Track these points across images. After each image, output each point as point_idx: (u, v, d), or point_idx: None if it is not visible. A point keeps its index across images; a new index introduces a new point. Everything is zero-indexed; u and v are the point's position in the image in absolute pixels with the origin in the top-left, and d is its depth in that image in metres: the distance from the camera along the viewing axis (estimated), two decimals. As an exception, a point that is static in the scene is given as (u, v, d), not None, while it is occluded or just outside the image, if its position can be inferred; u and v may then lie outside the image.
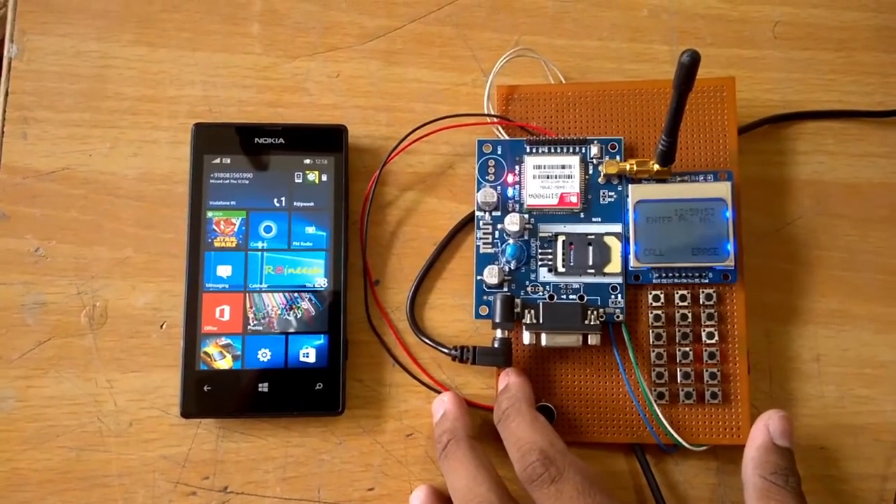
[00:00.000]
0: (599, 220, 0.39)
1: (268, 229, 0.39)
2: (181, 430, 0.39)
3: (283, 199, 0.40)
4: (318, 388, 0.38)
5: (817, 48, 0.44)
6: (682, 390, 0.38)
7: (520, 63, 0.42)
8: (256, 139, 0.40)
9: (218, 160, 0.40)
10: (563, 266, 0.38)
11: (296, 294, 0.39)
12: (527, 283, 0.39)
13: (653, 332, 0.38)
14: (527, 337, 0.38)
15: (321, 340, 0.39)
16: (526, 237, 0.39)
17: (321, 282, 0.39)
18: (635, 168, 0.38)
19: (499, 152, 0.40)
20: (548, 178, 0.39)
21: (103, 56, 0.43)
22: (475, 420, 0.39)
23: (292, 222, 0.39)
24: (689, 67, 0.31)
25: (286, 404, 0.38)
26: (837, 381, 0.40)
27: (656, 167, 0.38)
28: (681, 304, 0.38)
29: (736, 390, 0.38)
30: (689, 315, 0.38)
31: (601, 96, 0.41)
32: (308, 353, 0.38)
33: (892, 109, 0.42)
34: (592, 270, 0.38)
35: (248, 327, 0.38)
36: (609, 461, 0.39)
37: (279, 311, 0.39)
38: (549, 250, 0.39)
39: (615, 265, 0.38)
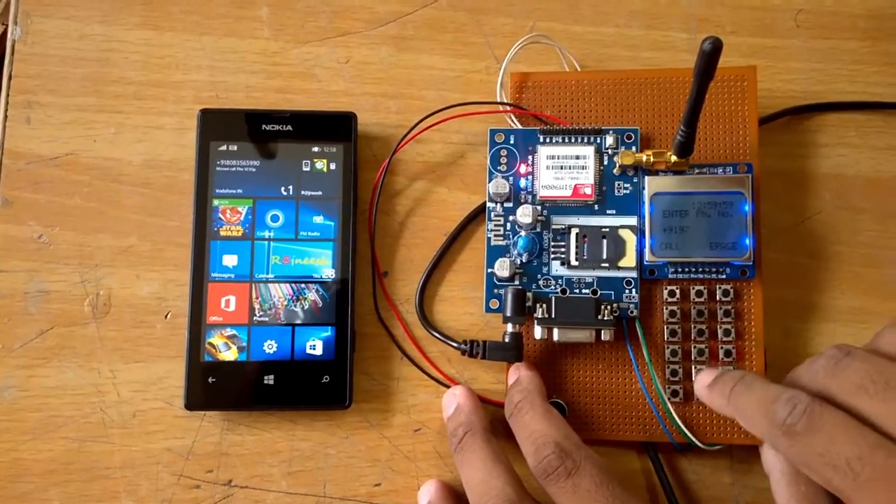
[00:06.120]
0: (614, 212, 0.38)
1: (275, 218, 0.39)
2: (185, 423, 0.38)
3: (290, 187, 0.39)
4: (324, 381, 0.37)
5: (840, 37, 0.43)
6: (697, 388, 0.37)
7: (534, 50, 0.41)
8: (264, 126, 0.39)
9: (224, 147, 0.39)
10: (577, 259, 0.38)
11: (303, 285, 0.38)
12: (539, 276, 0.38)
13: (667, 328, 0.37)
14: (538, 332, 0.37)
15: (328, 332, 0.38)
16: (538, 229, 0.38)
17: (329, 272, 0.38)
18: (652, 159, 0.37)
19: (511, 142, 0.39)
20: (561, 168, 0.38)
21: (108, 39, 0.42)
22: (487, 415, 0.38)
23: (300, 211, 0.39)
24: (710, 55, 0.29)
25: (292, 397, 0.37)
26: (856, 381, 0.39)
27: (674, 158, 0.37)
28: (697, 299, 0.37)
29: (752, 389, 0.37)
30: (705, 311, 0.37)
31: (617, 85, 0.40)
32: (315, 346, 0.38)
33: (917, 101, 0.41)
34: (606, 264, 0.37)
35: (254, 318, 0.38)
36: (621, 460, 0.38)
37: (286, 302, 0.38)
38: (562, 243, 0.38)
39: (630, 259, 0.37)
